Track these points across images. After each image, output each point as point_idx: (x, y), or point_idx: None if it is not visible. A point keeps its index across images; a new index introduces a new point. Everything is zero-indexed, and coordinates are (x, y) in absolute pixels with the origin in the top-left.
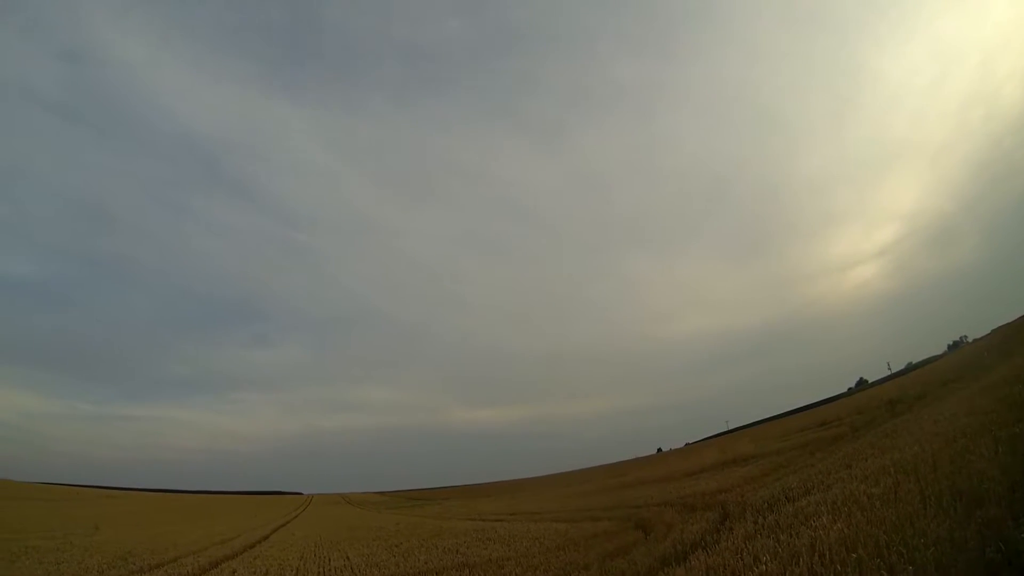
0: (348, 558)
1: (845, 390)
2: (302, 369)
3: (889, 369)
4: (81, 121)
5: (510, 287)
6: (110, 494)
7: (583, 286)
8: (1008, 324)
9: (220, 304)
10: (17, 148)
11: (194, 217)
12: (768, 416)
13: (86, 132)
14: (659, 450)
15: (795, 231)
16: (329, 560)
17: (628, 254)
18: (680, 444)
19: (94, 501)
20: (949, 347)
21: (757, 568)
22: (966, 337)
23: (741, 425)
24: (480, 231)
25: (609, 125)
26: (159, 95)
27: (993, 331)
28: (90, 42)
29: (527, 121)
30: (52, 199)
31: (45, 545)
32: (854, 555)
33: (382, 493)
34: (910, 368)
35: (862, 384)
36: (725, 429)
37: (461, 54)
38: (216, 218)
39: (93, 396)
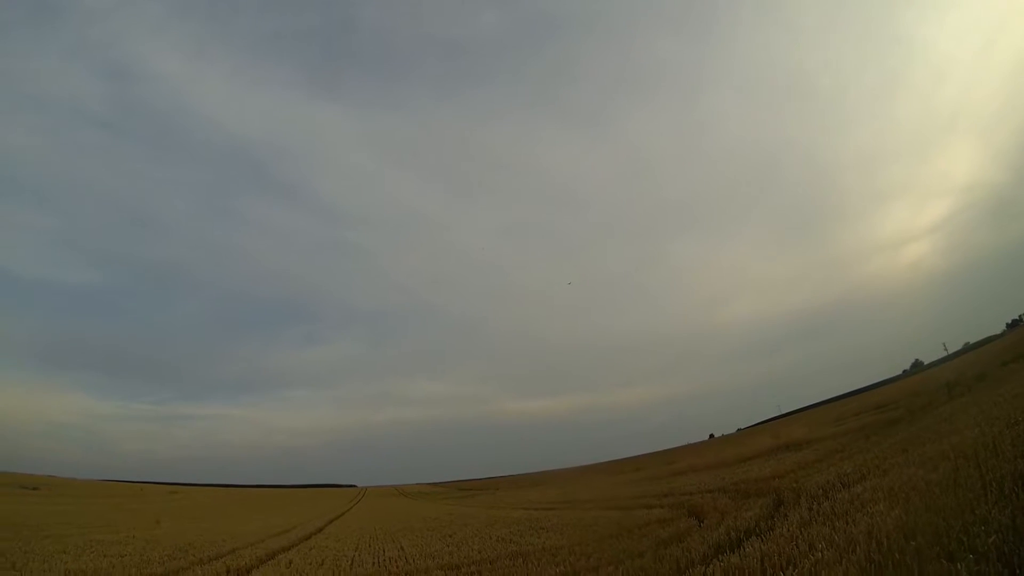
0: (402, 548)
1: (900, 372)
2: (353, 365)
3: (946, 350)
4: (127, 135)
5: (559, 277)
6: (170, 490)
7: (632, 273)
8: None
9: (272, 305)
10: (69, 164)
11: (242, 221)
12: (821, 400)
13: (133, 145)
14: (711, 436)
15: (845, 209)
16: (384, 550)
17: (677, 239)
18: (732, 430)
19: (155, 497)
20: (1008, 326)
21: (813, 556)
22: None
23: (793, 409)
24: (527, 222)
25: (652, 110)
26: (201, 105)
27: None
28: (132, 60)
29: (569, 109)
30: (104, 211)
31: (109, 539)
32: (913, 543)
33: (435, 484)
34: (967, 348)
35: (917, 366)
36: (777, 414)
37: (498, 46)
38: (263, 221)
39: (152, 397)
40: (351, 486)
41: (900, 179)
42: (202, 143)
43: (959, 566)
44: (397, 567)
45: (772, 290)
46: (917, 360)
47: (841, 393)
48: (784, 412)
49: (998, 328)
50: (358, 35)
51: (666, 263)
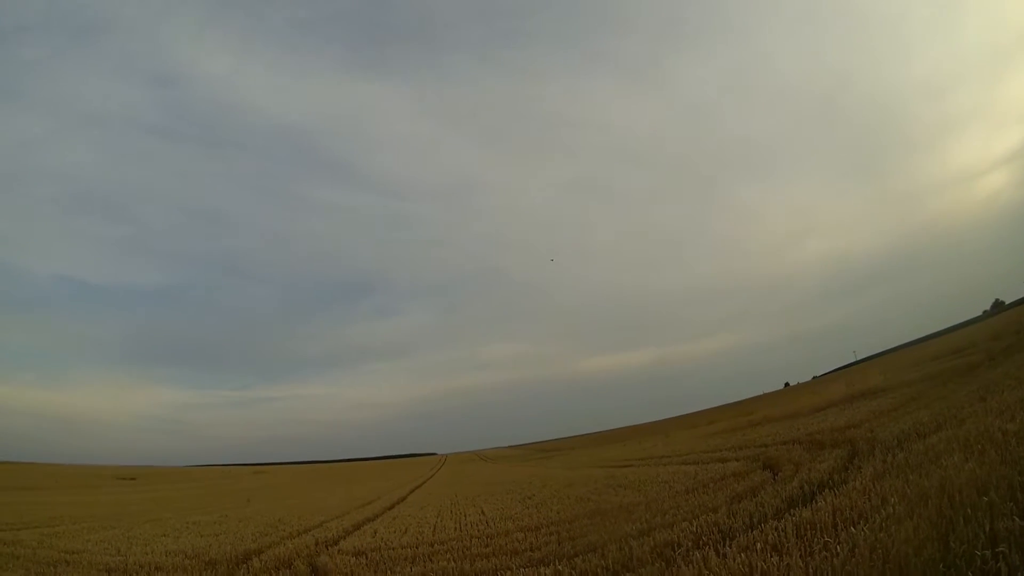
0: (483, 512)
1: (980, 313)
2: (427, 334)
3: None
4: (182, 137)
5: (625, 230)
6: (258, 470)
7: (698, 221)
8: None
9: (340, 282)
10: (131, 173)
11: (302, 205)
12: (898, 344)
13: (188, 146)
14: (786, 384)
15: (913, 141)
16: (465, 515)
17: (740, 183)
18: (807, 378)
19: (244, 478)
20: None
21: (885, 510)
22: None
23: (869, 355)
24: (588, 177)
25: (704, 53)
26: (250, 99)
27: None
28: (177, 64)
29: (620, 60)
30: (169, 212)
31: (204, 520)
32: (985, 498)
33: (514, 447)
34: None
35: (998, 306)
36: (852, 360)
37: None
38: (323, 202)
39: (234, 384)
40: (431, 454)
41: (971, 104)
42: (255, 136)
43: None
44: (478, 531)
45: (842, 231)
46: (998, 300)
47: (919, 337)
48: (860, 358)
49: None
50: (393, 7)
51: (732, 208)
